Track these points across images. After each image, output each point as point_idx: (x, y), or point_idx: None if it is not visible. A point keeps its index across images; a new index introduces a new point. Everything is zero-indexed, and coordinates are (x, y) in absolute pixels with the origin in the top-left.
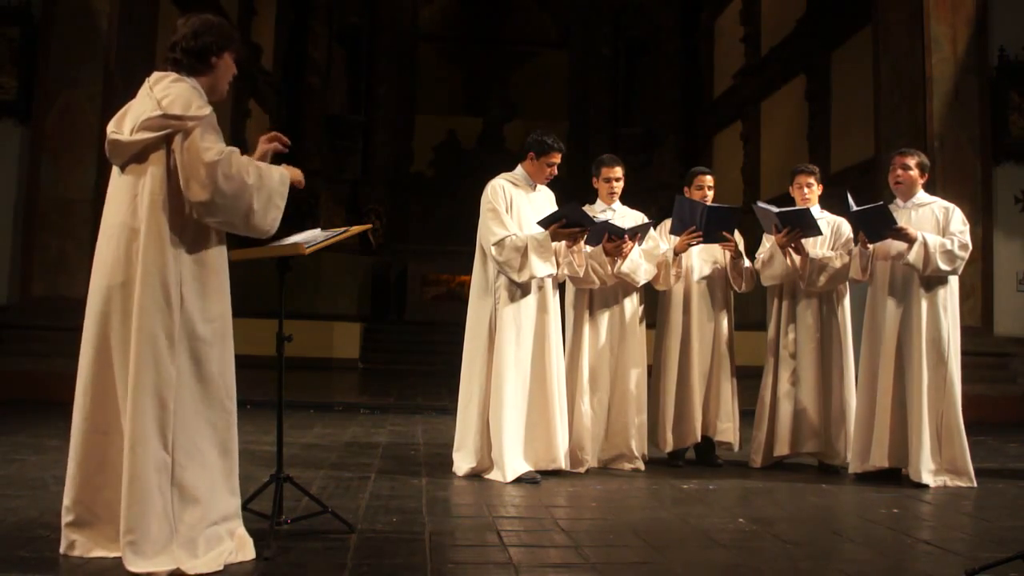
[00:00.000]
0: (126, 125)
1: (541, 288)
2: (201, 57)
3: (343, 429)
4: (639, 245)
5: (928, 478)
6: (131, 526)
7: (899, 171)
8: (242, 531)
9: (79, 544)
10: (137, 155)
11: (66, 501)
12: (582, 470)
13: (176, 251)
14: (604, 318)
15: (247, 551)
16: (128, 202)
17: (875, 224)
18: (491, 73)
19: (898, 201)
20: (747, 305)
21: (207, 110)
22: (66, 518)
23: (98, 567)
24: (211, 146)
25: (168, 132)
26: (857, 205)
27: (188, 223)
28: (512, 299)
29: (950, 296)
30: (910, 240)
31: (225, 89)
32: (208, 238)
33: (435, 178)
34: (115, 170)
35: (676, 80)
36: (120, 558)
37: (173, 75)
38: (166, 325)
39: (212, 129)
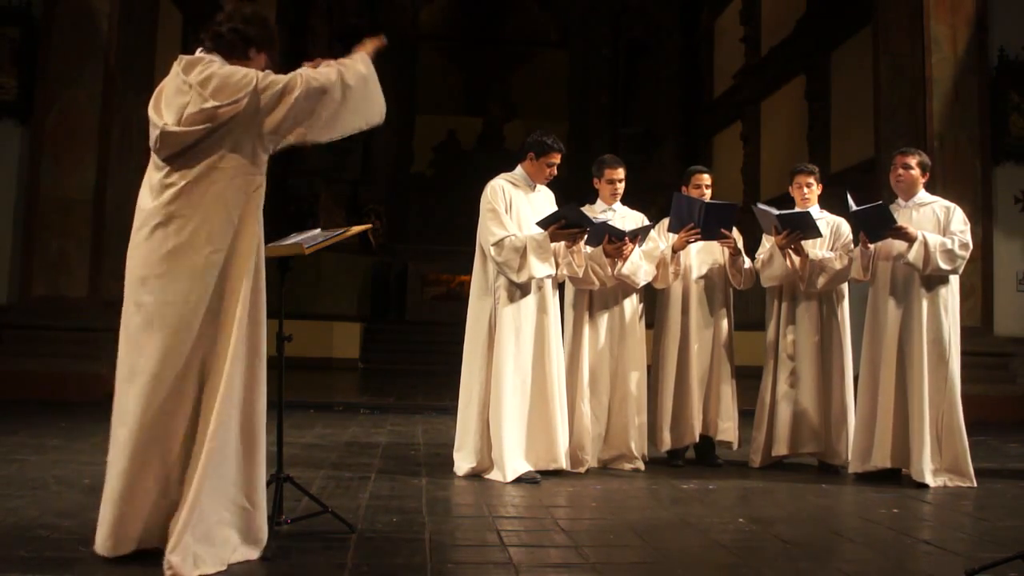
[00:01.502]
0: (167, 115)
1: (541, 288)
2: (245, 44)
3: (343, 429)
4: (639, 247)
5: (929, 478)
6: (199, 529)
7: (900, 170)
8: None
9: (120, 544)
10: (189, 146)
11: (113, 510)
12: (582, 470)
13: (241, 238)
14: (604, 318)
15: (252, 551)
16: (177, 194)
17: (875, 224)
18: (491, 73)
19: (899, 200)
20: (747, 305)
21: (251, 74)
22: (112, 525)
23: (99, 568)
24: (286, 87)
25: (225, 119)
26: (857, 205)
27: (248, 211)
28: (512, 299)
29: (951, 296)
30: (910, 239)
31: None
32: (257, 232)
33: (435, 178)
34: (154, 159)
35: (676, 80)
36: (116, 557)
37: (205, 58)
38: (262, 310)
39: (268, 75)
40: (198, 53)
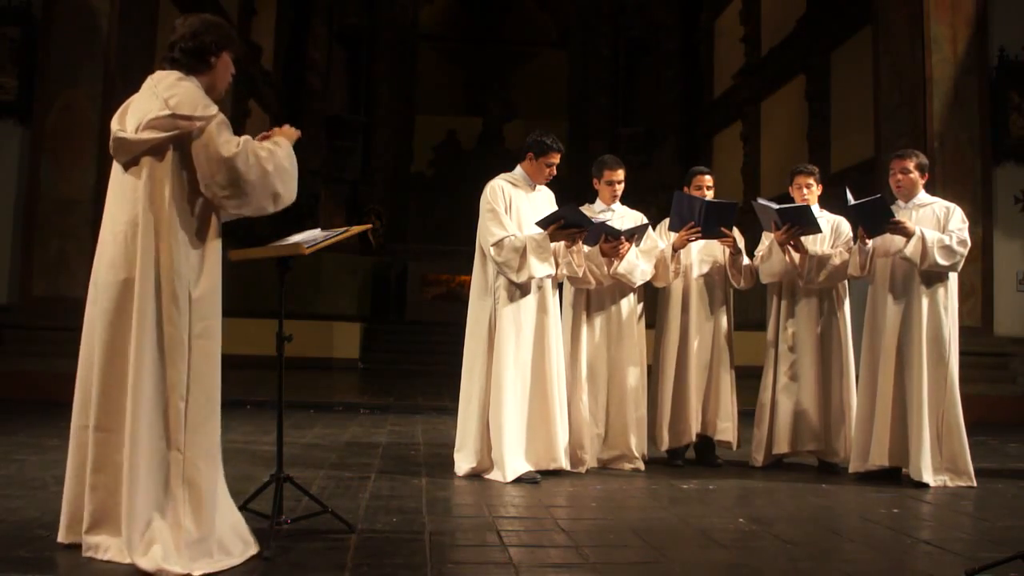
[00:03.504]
0: (129, 122)
1: (540, 288)
2: (200, 56)
3: (343, 429)
4: (636, 246)
5: (928, 477)
6: (135, 526)
7: (899, 175)
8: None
9: (101, 547)
10: (143, 154)
11: (65, 505)
12: (582, 470)
13: (182, 249)
14: (601, 318)
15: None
16: (132, 200)
17: (873, 217)
18: (491, 73)
19: (899, 203)
20: (747, 305)
21: (214, 108)
22: (66, 520)
23: (99, 568)
24: (228, 140)
25: (177, 133)
26: (856, 199)
27: (193, 221)
28: (512, 299)
29: (950, 296)
30: (908, 234)
31: (223, 88)
32: (209, 236)
33: (435, 178)
34: (116, 167)
35: (676, 80)
36: (124, 564)
37: (177, 73)
38: (176, 323)
39: (225, 125)
40: (168, 69)
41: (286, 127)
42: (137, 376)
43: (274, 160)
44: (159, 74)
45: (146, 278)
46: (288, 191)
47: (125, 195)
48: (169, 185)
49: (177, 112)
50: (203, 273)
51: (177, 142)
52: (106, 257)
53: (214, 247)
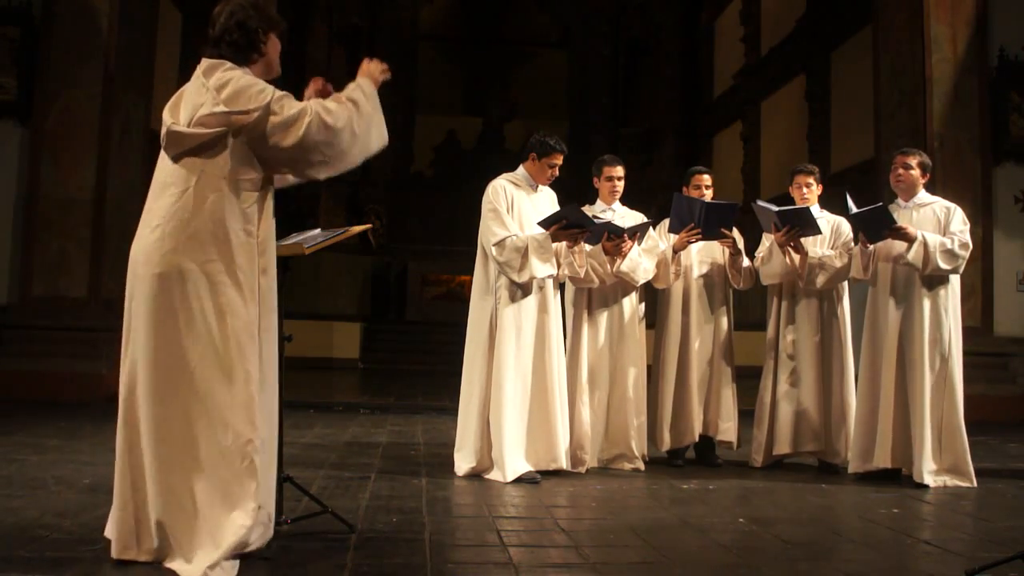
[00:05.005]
0: (182, 114)
1: (542, 288)
2: (251, 49)
3: (343, 429)
4: (638, 244)
5: (929, 478)
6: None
7: (900, 170)
8: None
9: (138, 551)
10: (197, 148)
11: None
12: (582, 470)
13: (245, 242)
14: (603, 317)
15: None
16: (181, 193)
17: (875, 225)
18: (491, 73)
19: (899, 201)
20: (747, 305)
21: (267, 92)
22: (121, 526)
23: (99, 569)
24: (294, 119)
25: (230, 127)
26: (857, 207)
27: (252, 213)
28: (513, 299)
29: (952, 297)
30: (910, 239)
31: (278, 65)
32: (261, 231)
33: (435, 178)
34: (163, 159)
35: (676, 80)
36: (129, 563)
37: (226, 63)
38: (246, 319)
39: (285, 99)
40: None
41: (372, 63)
42: (214, 374)
43: (347, 110)
44: (207, 64)
45: (188, 273)
46: (370, 135)
47: (172, 189)
48: (229, 178)
49: (230, 107)
50: (261, 262)
51: (233, 135)
52: (143, 251)
53: (272, 234)
